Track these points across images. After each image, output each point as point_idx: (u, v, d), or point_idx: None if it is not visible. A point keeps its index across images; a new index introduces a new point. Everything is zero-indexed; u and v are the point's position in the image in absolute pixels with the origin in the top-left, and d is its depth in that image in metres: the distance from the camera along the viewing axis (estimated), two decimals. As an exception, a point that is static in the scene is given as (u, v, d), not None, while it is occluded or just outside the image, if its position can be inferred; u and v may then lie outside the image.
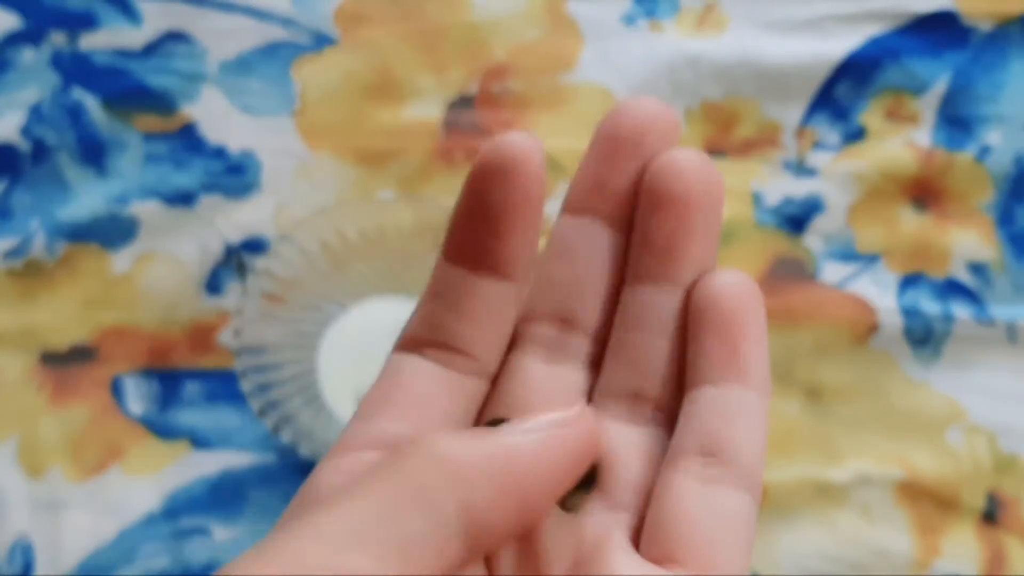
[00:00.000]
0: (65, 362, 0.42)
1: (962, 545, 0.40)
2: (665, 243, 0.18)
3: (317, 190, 0.45)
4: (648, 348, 0.19)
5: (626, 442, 0.18)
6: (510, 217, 0.17)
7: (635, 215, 0.18)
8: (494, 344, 0.19)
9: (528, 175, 0.17)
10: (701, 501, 0.17)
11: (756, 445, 0.18)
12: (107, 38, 0.47)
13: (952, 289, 0.44)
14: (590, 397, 0.19)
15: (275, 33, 0.47)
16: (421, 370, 0.19)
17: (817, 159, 0.46)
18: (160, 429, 0.41)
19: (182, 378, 0.42)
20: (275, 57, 0.47)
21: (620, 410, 0.19)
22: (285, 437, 0.34)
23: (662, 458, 0.18)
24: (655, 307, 0.18)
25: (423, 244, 0.40)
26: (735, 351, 0.18)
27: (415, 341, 0.20)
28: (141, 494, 0.40)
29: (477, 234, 0.18)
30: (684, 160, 0.18)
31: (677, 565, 0.17)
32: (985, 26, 0.48)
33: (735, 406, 0.18)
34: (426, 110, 0.46)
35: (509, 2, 0.49)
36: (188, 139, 0.45)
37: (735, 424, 0.18)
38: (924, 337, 0.43)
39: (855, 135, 0.47)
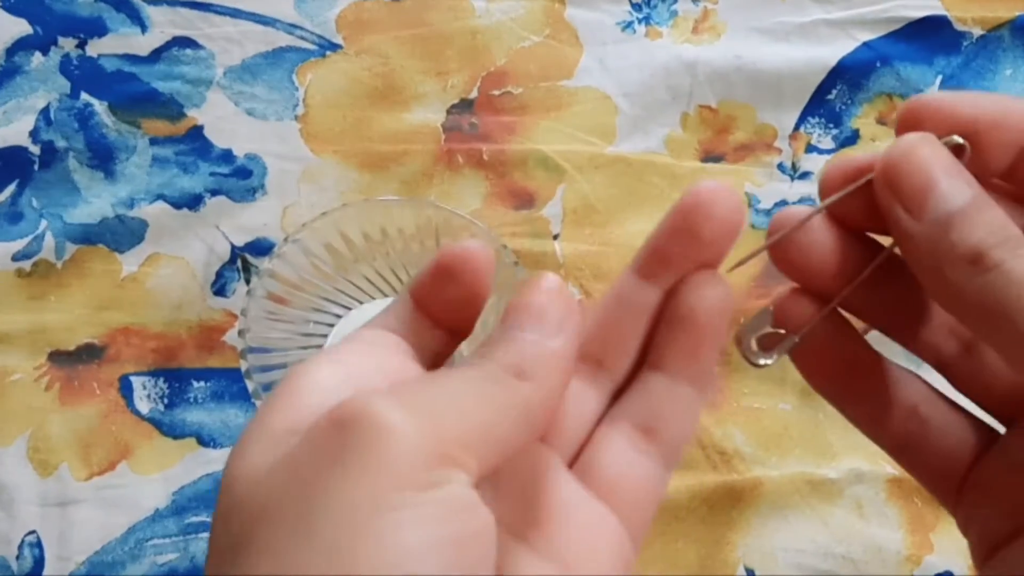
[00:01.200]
0: (74, 362, 0.42)
1: (953, 541, 0.40)
2: (680, 352, 0.21)
3: (321, 193, 0.45)
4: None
5: (578, 397, 0.21)
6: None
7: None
8: None
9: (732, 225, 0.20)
10: (629, 461, 0.20)
11: (687, 434, 0.21)
12: (115, 44, 0.48)
13: (943, 290, 0.45)
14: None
15: (280, 39, 0.48)
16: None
17: (811, 162, 0.47)
18: (167, 427, 0.42)
19: (189, 377, 0.42)
20: (280, 62, 0.48)
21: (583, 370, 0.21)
22: (290, 435, 0.35)
23: (601, 417, 0.21)
24: (667, 390, 0.21)
25: (425, 246, 0.40)
26: (697, 355, 0.20)
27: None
28: (149, 491, 0.41)
29: None
30: (709, 291, 0.20)
31: (601, 503, 0.20)
32: (976, 32, 0.49)
33: (681, 399, 0.21)
34: (428, 114, 0.47)
35: (509, 9, 0.49)
36: (195, 143, 0.46)
37: (676, 414, 0.21)
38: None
39: (848, 139, 0.47)
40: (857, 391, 0.22)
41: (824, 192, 0.21)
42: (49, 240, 0.44)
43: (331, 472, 0.16)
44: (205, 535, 0.40)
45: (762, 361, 0.21)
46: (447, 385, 0.18)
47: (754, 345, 0.21)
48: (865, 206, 0.20)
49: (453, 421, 0.17)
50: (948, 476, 0.22)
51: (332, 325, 0.42)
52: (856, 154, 0.20)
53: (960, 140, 0.19)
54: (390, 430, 0.16)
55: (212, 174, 0.46)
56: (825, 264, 0.21)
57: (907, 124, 0.20)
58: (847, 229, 0.21)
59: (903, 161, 0.19)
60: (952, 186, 0.18)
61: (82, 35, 0.48)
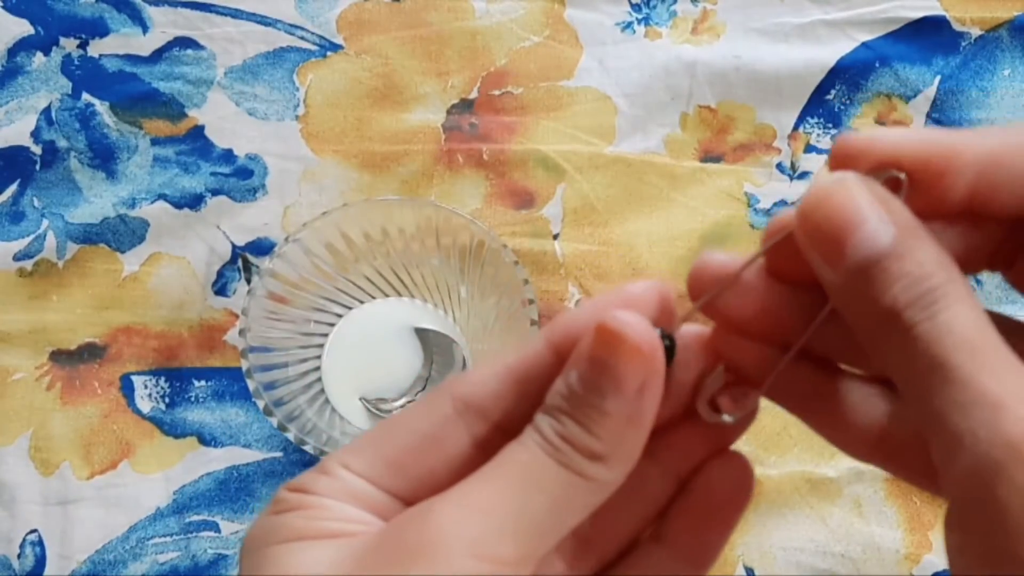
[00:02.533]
0: (75, 361, 0.43)
1: (952, 539, 0.40)
2: (690, 532, 0.20)
3: (322, 193, 0.46)
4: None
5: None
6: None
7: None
8: None
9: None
10: None
11: None
12: (116, 44, 0.48)
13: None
14: None
15: (281, 39, 0.48)
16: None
17: (810, 162, 0.47)
18: (168, 427, 0.42)
19: (190, 377, 0.42)
20: (281, 63, 0.48)
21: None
22: (291, 434, 0.35)
23: None
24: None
25: (426, 246, 0.40)
26: (708, 538, 0.19)
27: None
28: (150, 490, 0.41)
29: None
30: (731, 474, 0.19)
31: None
32: (974, 32, 0.49)
33: None
34: (428, 115, 0.47)
35: (509, 9, 0.50)
36: (196, 143, 0.46)
37: None
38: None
39: (847, 139, 0.47)
40: (824, 415, 0.20)
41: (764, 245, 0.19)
42: (51, 240, 0.44)
43: None
44: (206, 534, 0.40)
45: (725, 419, 0.19)
46: (509, 488, 0.16)
47: (713, 406, 0.20)
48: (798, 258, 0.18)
49: (505, 534, 0.16)
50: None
51: (333, 324, 0.42)
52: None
53: (898, 174, 0.17)
54: (437, 550, 0.16)
55: (213, 174, 0.46)
56: (769, 319, 0.19)
57: (837, 164, 0.18)
58: (790, 281, 0.19)
59: (817, 208, 0.17)
60: (869, 232, 0.16)
61: (83, 35, 0.48)
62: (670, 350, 0.18)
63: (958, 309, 0.16)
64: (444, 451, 0.18)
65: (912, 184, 0.17)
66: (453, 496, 0.17)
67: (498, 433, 0.18)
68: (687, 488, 0.20)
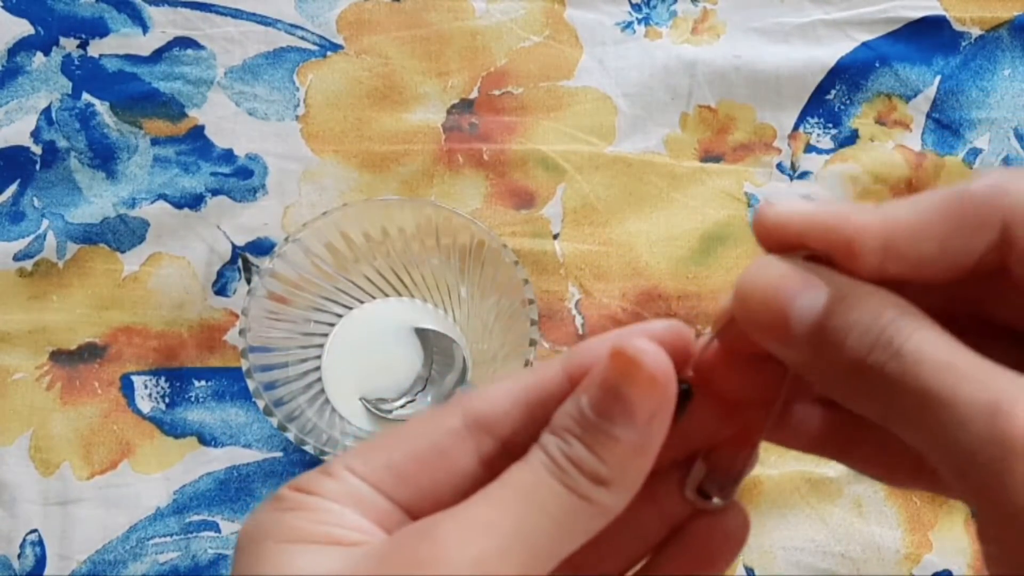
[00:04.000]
0: (75, 361, 0.43)
1: (952, 539, 0.40)
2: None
3: (322, 193, 0.46)
4: None
5: None
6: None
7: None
8: None
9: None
10: None
11: None
12: (116, 44, 0.48)
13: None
14: None
15: (281, 39, 0.48)
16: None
17: (810, 162, 0.47)
18: (168, 426, 0.42)
19: (190, 377, 0.42)
20: (281, 63, 0.48)
21: None
22: (291, 434, 0.35)
23: None
24: None
25: (425, 246, 0.40)
26: None
27: None
28: (150, 490, 0.41)
29: None
30: (725, 522, 0.20)
31: None
32: (974, 32, 0.49)
33: None
34: (428, 115, 0.47)
35: (509, 9, 0.50)
36: (196, 143, 0.46)
37: None
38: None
39: (847, 139, 0.47)
40: (852, 450, 0.20)
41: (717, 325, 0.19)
42: (51, 240, 0.44)
43: None
44: (206, 534, 0.40)
45: (715, 503, 0.20)
46: (514, 507, 0.17)
47: (701, 495, 0.20)
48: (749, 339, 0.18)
49: (509, 555, 0.16)
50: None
51: (333, 324, 0.42)
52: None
53: (815, 252, 0.18)
54: (440, 569, 0.16)
55: (213, 174, 0.46)
56: (741, 393, 0.19)
57: (762, 239, 0.18)
58: (752, 357, 0.19)
59: (749, 297, 0.17)
60: (805, 300, 0.17)
61: (83, 35, 0.48)
62: (687, 393, 0.18)
63: (920, 336, 0.16)
64: (450, 465, 0.18)
65: (829, 261, 0.18)
66: (457, 514, 0.17)
67: (505, 453, 0.18)
68: (683, 530, 0.20)
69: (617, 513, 0.18)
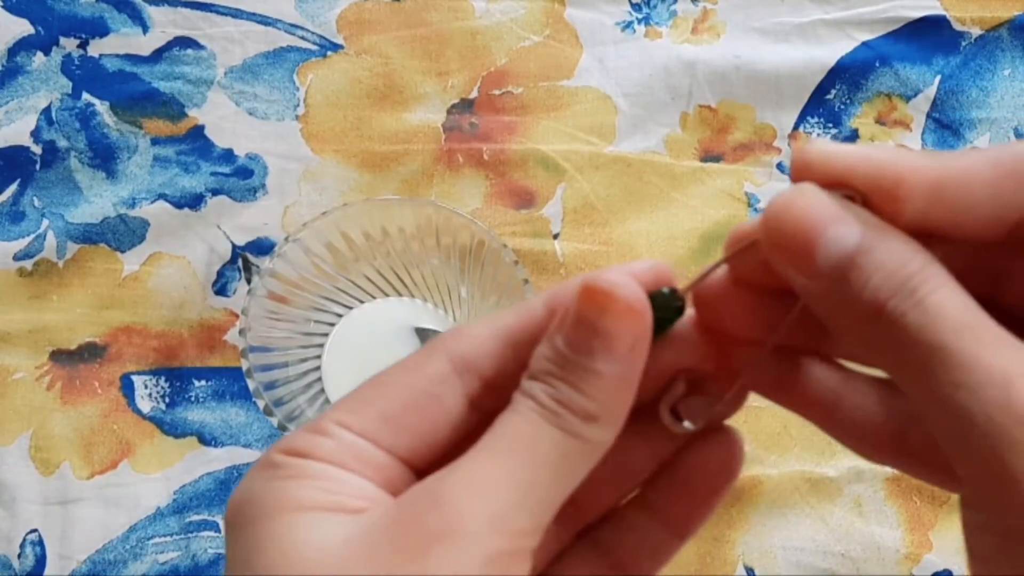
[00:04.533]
0: (75, 361, 0.43)
1: (952, 539, 0.40)
2: (677, 504, 0.20)
3: (322, 193, 0.46)
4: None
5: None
6: None
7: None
8: None
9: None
10: None
11: (655, 574, 0.20)
12: (116, 44, 0.48)
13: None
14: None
15: (281, 39, 0.48)
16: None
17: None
18: (168, 426, 0.42)
19: (190, 376, 0.42)
20: (281, 62, 0.48)
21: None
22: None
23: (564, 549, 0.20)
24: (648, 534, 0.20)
25: (425, 246, 0.40)
26: (693, 512, 0.20)
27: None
28: (150, 490, 0.41)
29: None
30: (718, 452, 0.20)
31: None
32: (974, 32, 0.49)
33: (661, 545, 0.20)
34: (428, 114, 0.47)
35: (509, 9, 0.50)
36: (196, 143, 0.46)
37: (653, 557, 0.20)
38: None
39: (847, 139, 0.47)
40: (832, 417, 0.20)
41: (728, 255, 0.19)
42: (51, 239, 0.44)
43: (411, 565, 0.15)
44: (206, 534, 0.40)
45: (686, 427, 0.20)
46: (515, 460, 0.17)
47: (673, 415, 0.20)
48: (765, 267, 0.18)
49: (521, 508, 0.16)
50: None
51: (333, 324, 0.42)
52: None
53: (851, 194, 0.17)
54: (458, 533, 0.16)
55: (213, 174, 0.46)
56: (739, 326, 0.19)
57: (798, 175, 0.18)
58: (758, 289, 0.19)
59: (782, 216, 0.17)
60: (837, 233, 0.16)
61: (83, 35, 0.48)
62: (680, 309, 0.19)
63: (944, 292, 0.16)
64: (442, 408, 0.18)
65: (866, 204, 0.17)
66: (461, 473, 0.17)
67: (491, 391, 0.18)
68: (677, 459, 0.20)
69: (608, 447, 0.18)
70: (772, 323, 0.19)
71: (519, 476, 0.16)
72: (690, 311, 0.20)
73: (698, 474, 0.20)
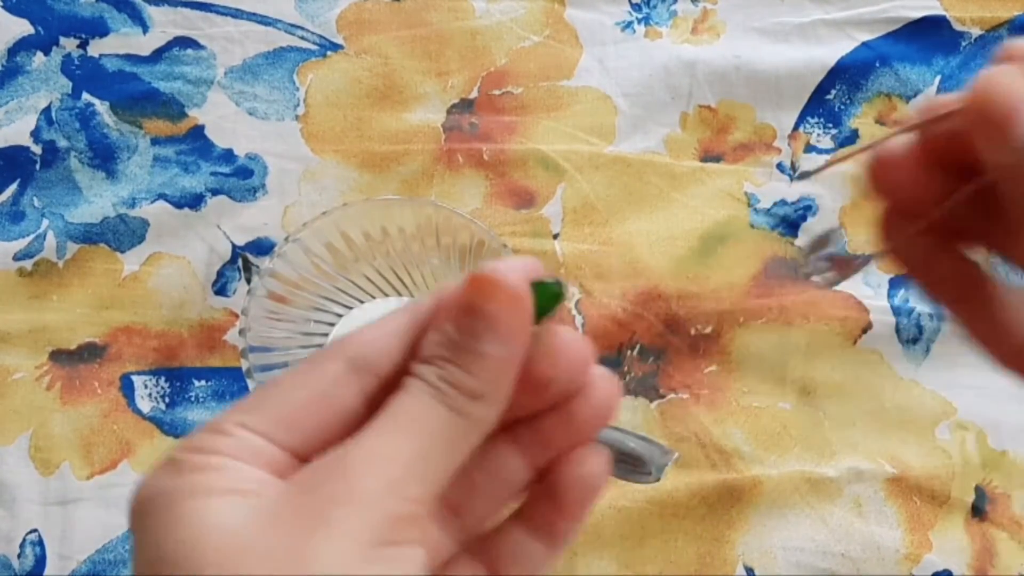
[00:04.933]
0: (75, 361, 0.43)
1: (952, 539, 0.40)
2: (548, 517, 0.21)
3: (322, 193, 0.46)
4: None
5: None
6: None
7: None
8: None
9: None
10: None
11: None
12: (116, 44, 0.48)
13: (942, 289, 0.45)
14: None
15: (281, 39, 0.48)
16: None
17: (810, 162, 0.47)
18: (168, 426, 0.42)
19: (190, 376, 0.42)
20: (281, 63, 0.48)
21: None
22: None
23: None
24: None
25: (425, 246, 0.40)
26: (561, 526, 0.21)
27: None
28: (150, 490, 0.41)
29: None
30: (586, 470, 0.21)
31: None
32: (974, 32, 0.49)
33: (535, 556, 0.21)
34: (428, 114, 0.47)
35: (509, 9, 0.50)
36: (196, 143, 0.46)
37: (526, 568, 0.21)
38: (914, 336, 0.44)
39: (847, 139, 0.48)
40: (968, 304, 0.22)
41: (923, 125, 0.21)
42: (50, 239, 0.44)
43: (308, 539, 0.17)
44: (206, 533, 0.40)
45: (825, 279, 0.21)
46: (408, 434, 0.18)
47: (819, 265, 0.21)
48: (960, 139, 0.20)
49: (413, 477, 0.18)
50: None
51: (333, 324, 0.42)
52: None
53: None
54: (357, 496, 0.17)
55: (213, 174, 0.46)
56: (917, 190, 0.21)
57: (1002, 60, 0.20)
58: (945, 162, 0.21)
59: (987, 90, 0.19)
60: None
61: (83, 35, 0.48)
62: (559, 296, 0.20)
63: None
64: (337, 407, 0.19)
65: None
66: (360, 447, 0.18)
67: (386, 387, 0.19)
68: (549, 474, 0.21)
69: (492, 425, 0.19)
70: (942, 199, 0.21)
71: (411, 449, 0.18)
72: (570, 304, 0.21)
73: (567, 485, 0.20)
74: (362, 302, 0.42)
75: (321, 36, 0.48)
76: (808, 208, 0.46)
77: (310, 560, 0.16)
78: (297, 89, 0.47)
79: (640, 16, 0.50)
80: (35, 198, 0.45)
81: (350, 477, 0.17)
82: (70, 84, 0.47)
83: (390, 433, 0.18)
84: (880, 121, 0.48)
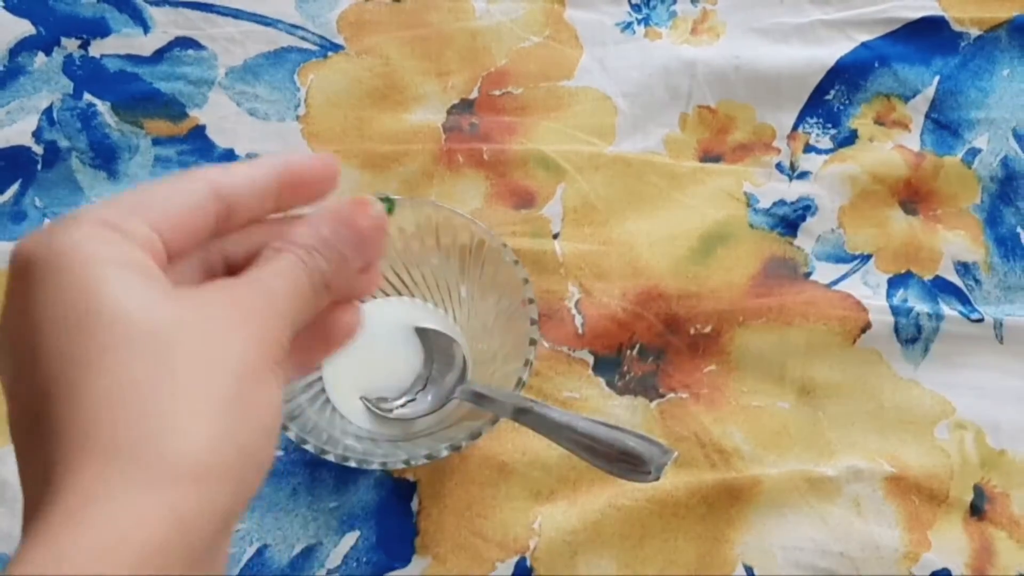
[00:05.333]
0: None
1: (950, 539, 0.40)
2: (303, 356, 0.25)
3: (322, 193, 0.46)
4: None
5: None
6: None
7: None
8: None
9: None
10: None
11: None
12: (118, 44, 0.48)
13: (940, 288, 0.45)
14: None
15: (281, 39, 0.48)
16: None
17: (809, 162, 0.47)
18: (169, 425, 0.42)
19: (191, 376, 0.42)
20: (281, 63, 0.48)
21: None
22: (291, 433, 0.35)
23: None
24: None
25: (425, 246, 0.41)
26: (310, 360, 0.26)
27: None
28: (151, 489, 0.41)
29: None
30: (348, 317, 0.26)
31: None
32: (973, 32, 0.49)
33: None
34: (428, 115, 0.47)
35: (509, 10, 0.50)
36: (197, 143, 0.46)
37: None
38: (913, 336, 0.44)
39: (846, 139, 0.48)
40: None
41: None
42: (52, 239, 0.44)
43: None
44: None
45: None
46: (283, 286, 0.22)
47: None
48: None
49: (287, 320, 0.22)
50: None
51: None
52: None
53: None
54: (251, 318, 0.21)
55: (214, 174, 0.46)
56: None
57: None
58: None
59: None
60: None
61: (85, 35, 0.48)
62: (390, 210, 0.25)
63: None
64: (200, 224, 0.22)
65: None
66: (250, 283, 0.21)
67: (232, 214, 0.23)
68: (317, 318, 0.24)
69: (323, 307, 0.24)
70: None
71: (288, 298, 0.22)
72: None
73: (328, 330, 0.25)
74: (362, 302, 0.42)
75: (322, 37, 0.49)
76: (807, 208, 0.46)
77: (221, 357, 0.19)
78: (298, 89, 0.47)
79: (640, 17, 0.50)
80: (36, 198, 0.45)
81: (246, 302, 0.21)
82: (71, 84, 0.47)
83: (273, 280, 0.22)
84: (879, 121, 0.48)
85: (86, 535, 0.17)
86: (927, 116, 0.48)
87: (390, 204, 0.25)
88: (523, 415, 0.34)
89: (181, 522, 0.17)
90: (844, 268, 0.45)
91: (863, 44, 0.49)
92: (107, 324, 0.18)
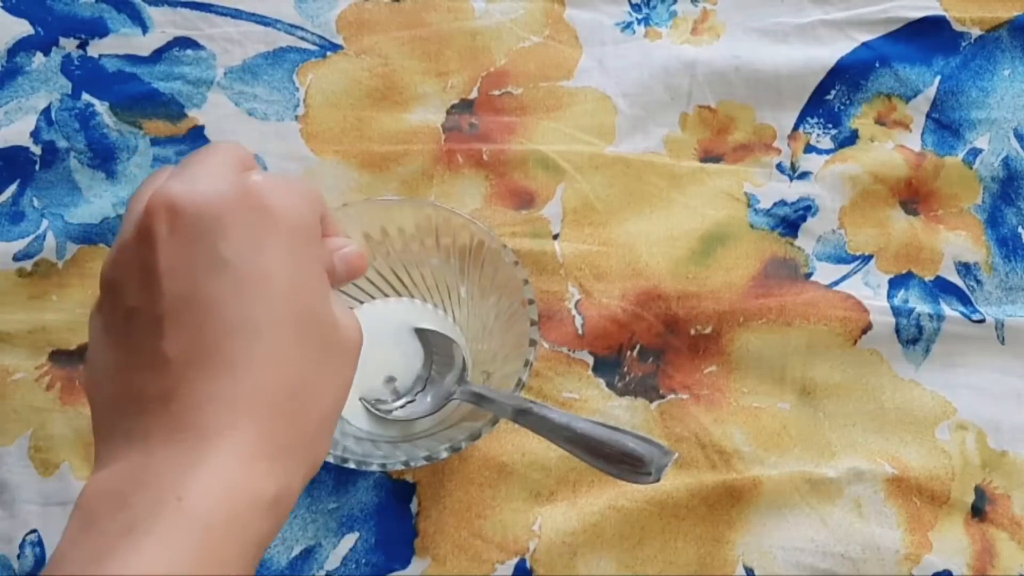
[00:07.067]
0: (75, 361, 0.43)
1: (952, 540, 0.40)
2: None
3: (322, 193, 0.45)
4: None
5: None
6: None
7: None
8: None
9: None
10: None
11: None
12: (116, 44, 0.48)
13: (942, 288, 0.45)
14: None
15: (280, 39, 0.48)
16: None
17: (810, 162, 0.47)
18: (168, 426, 0.42)
19: (189, 377, 0.42)
20: (280, 63, 0.48)
21: None
22: (291, 434, 0.35)
23: None
24: None
25: (425, 246, 0.40)
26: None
27: None
28: (150, 490, 0.41)
29: None
30: None
31: None
32: (974, 32, 0.49)
33: None
34: (428, 115, 0.47)
35: (509, 9, 0.50)
36: (196, 143, 0.46)
37: None
38: (914, 336, 0.44)
39: (847, 139, 0.48)
40: None
41: None
42: (50, 240, 0.44)
43: None
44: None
45: None
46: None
47: None
48: None
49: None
50: None
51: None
52: None
53: None
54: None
55: (213, 174, 0.46)
56: None
57: None
58: None
59: None
60: None
61: (83, 35, 0.48)
62: None
63: None
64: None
65: None
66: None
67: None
68: None
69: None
70: None
71: None
72: None
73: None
74: (362, 302, 0.42)
75: (321, 36, 0.48)
76: (808, 208, 0.46)
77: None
78: (297, 89, 0.47)
79: (640, 16, 0.50)
80: (35, 198, 0.45)
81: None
82: (70, 84, 0.47)
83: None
84: (880, 121, 0.48)
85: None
86: (928, 116, 0.48)
87: None
88: (523, 416, 0.34)
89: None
90: (845, 268, 0.45)
91: (864, 44, 0.49)
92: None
